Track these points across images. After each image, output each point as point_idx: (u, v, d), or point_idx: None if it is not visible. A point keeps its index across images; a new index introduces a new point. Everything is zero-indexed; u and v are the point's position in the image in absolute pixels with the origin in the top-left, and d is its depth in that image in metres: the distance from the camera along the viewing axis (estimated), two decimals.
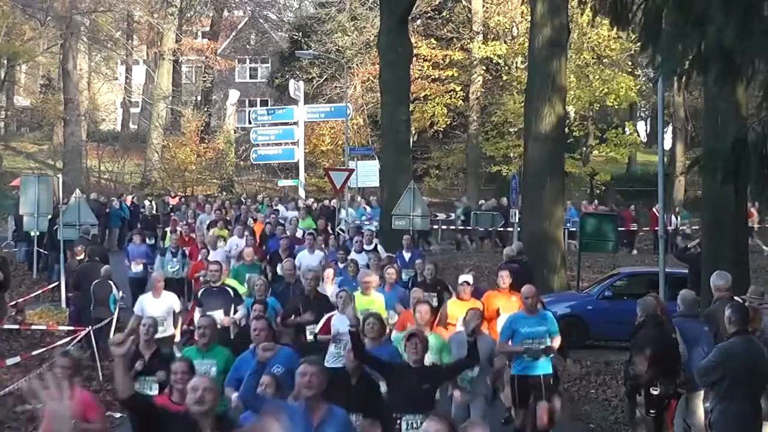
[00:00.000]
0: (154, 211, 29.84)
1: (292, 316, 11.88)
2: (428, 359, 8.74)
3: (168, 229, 21.99)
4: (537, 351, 9.91)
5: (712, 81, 9.12)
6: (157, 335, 11.17)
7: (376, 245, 18.17)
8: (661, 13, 8.92)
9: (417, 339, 8.11)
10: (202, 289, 13.05)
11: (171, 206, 30.69)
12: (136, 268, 18.20)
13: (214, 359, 8.85)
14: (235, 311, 12.58)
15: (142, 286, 17.01)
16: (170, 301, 12.92)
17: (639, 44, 11.28)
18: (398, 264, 16.39)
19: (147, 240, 19.95)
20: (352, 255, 16.78)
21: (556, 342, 10.16)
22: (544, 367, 10.02)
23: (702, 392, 8.64)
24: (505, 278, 12.06)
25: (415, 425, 7.52)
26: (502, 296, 11.89)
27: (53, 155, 43.97)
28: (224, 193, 40.10)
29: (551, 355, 10.09)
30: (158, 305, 12.69)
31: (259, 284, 12.71)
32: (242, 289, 13.59)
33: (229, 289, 12.82)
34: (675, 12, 8.42)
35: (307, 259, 15.97)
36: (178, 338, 12.80)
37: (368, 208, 29.25)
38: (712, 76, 8.71)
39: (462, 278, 12.05)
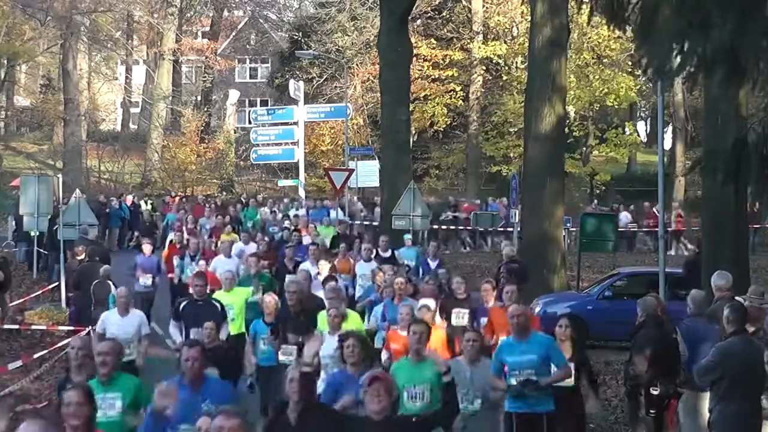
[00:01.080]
0: (152, 215, 29.11)
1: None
2: (427, 395, 7.80)
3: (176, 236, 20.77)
4: (519, 388, 8.26)
5: (717, 83, 9.11)
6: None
7: (393, 253, 16.87)
8: (658, 12, 8.92)
9: (381, 385, 6.19)
10: (184, 302, 11.61)
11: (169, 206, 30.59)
12: (145, 281, 16.60)
13: (118, 392, 7.15)
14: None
15: (151, 301, 16.33)
16: (138, 320, 11.24)
17: (635, 44, 11.28)
18: (421, 272, 15.58)
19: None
20: (361, 264, 15.74)
21: (562, 373, 8.49)
22: (544, 403, 8.37)
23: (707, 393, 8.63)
24: (512, 294, 10.68)
25: None
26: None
27: (53, 155, 43.96)
28: (224, 193, 40.11)
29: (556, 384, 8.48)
30: (124, 325, 11.01)
31: (268, 302, 10.94)
32: (244, 297, 12.51)
33: (215, 303, 11.36)
34: (674, 13, 8.42)
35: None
36: (140, 363, 11.00)
37: (302, 208, 27.55)
38: (717, 78, 8.70)
39: (422, 302, 10.45)
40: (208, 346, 8.92)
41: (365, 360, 7.81)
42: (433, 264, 15.89)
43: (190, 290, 13.87)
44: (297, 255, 16.48)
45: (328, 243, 18.95)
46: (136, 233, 27.43)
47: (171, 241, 18.34)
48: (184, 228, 21.72)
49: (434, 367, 8.03)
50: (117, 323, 11.01)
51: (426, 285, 12.65)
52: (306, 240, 18.65)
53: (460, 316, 11.64)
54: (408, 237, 19.02)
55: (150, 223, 26.48)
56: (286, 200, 31.18)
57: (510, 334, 8.92)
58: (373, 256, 16.00)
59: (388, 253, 16.65)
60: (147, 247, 17.29)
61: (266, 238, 19.16)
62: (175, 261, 16.96)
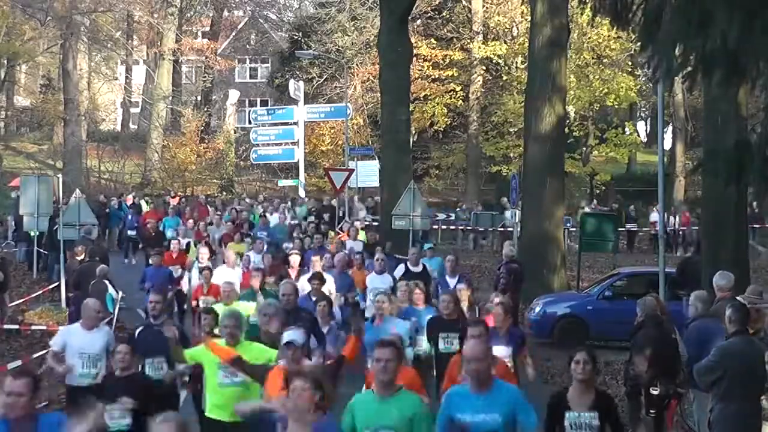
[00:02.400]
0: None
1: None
2: None
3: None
4: None
5: (717, 83, 9.09)
6: (87, 382, 9.09)
7: (424, 267, 14.63)
8: (661, 13, 8.92)
9: None
10: (140, 328, 9.97)
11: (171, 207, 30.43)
12: (155, 296, 15.38)
13: None
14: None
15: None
16: (106, 337, 9.60)
17: (639, 44, 11.29)
18: (440, 291, 13.09)
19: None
20: (372, 277, 13.97)
21: None
22: None
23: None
24: (480, 333, 8.15)
25: None
26: None
27: (53, 155, 43.96)
28: (224, 193, 40.12)
29: None
30: (90, 341, 9.38)
31: (209, 320, 9.66)
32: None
33: (174, 329, 9.51)
34: (678, 13, 8.41)
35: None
36: None
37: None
38: (716, 78, 8.69)
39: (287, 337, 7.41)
40: (121, 374, 8.06)
41: (322, 405, 5.74)
42: (452, 282, 13.52)
43: (193, 303, 13.21)
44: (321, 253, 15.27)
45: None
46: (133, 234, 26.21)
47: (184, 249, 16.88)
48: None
49: (408, 404, 6.20)
50: (81, 338, 9.43)
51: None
52: (351, 244, 17.34)
53: (448, 342, 9.74)
54: (429, 245, 17.04)
55: (156, 232, 23.07)
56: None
57: (464, 381, 6.58)
58: (402, 272, 14.14)
59: (419, 268, 14.41)
60: (156, 258, 15.83)
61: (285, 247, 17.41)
62: (176, 272, 15.75)
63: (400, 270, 14.53)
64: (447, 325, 9.91)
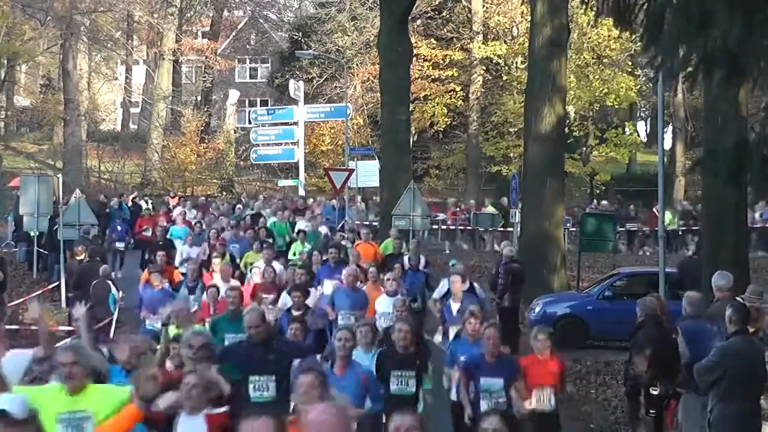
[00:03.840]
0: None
1: None
2: None
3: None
4: None
5: (717, 84, 9.10)
6: None
7: (472, 284, 12.16)
8: (664, 14, 8.92)
9: None
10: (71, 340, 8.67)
11: (172, 207, 30.39)
12: (154, 321, 12.50)
13: None
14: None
15: None
16: (26, 363, 7.29)
17: (641, 44, 11.29)
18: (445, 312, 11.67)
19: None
20: (383, 299, 11.72)
21: None
22: None
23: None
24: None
25: None
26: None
27: (53, 155, 43.98)
28: (224, 193, 40.14)
29: None
30: (11, 366, 6.98)
31: (178, 349, 7.71)
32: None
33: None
34: (679, 13, 8.42)
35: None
36: None
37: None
38: (717, 78, 8.69)
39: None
40: None
41: None
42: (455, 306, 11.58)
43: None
44: (334, 276, 13.39)
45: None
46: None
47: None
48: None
49: None
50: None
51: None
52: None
53: (402, 382, 8.08)
54: (454, 263, 13.97)
55: (165, 241, 19.34)
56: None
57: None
58: (444, 291, 12.20)
59: (466, 285, 11.89)
60: (155, 278, 13.45)
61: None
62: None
63: (443, 288, 12.50)
64: (401, 360, 8.08)
